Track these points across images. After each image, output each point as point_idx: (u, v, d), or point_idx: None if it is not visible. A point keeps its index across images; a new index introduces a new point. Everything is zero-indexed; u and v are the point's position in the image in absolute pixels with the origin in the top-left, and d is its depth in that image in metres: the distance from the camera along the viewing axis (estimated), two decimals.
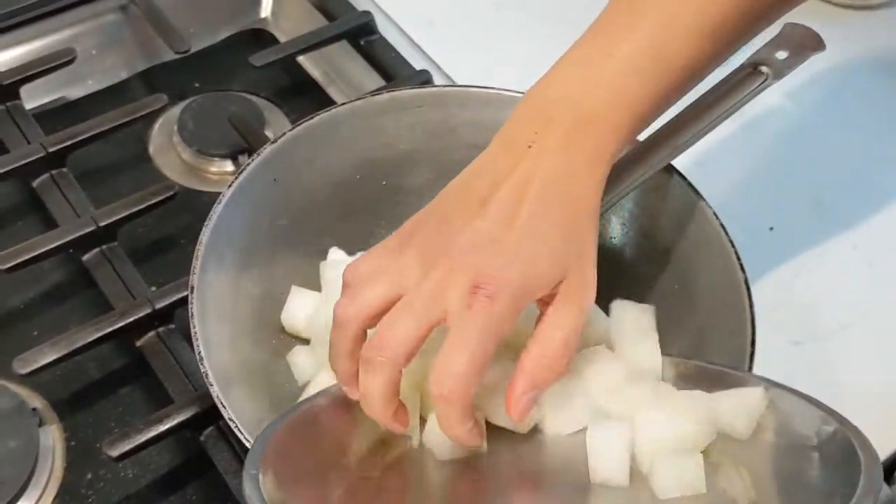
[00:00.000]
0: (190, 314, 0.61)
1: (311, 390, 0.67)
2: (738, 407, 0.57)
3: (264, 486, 0.49)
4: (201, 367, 0.60)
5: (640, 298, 0.72)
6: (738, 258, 0.66)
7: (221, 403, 0.59)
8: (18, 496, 0.68)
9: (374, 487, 0.55)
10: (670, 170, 0.71)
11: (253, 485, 0.49)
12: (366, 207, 0.76)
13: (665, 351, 0.63)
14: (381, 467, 0.56)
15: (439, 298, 0.52)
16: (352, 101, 0.73)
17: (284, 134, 0.70)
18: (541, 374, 0.53)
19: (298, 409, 0.59)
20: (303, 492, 0.52)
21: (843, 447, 0.51)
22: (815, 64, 0.97)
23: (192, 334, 0.61)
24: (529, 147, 0.56)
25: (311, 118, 0.71)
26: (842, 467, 0.50)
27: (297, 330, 0.71)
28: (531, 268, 0.53)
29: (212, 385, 0.59)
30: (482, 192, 0.55)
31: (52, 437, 0.72)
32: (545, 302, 0.54)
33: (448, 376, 0.51)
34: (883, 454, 0.72)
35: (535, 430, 0.58)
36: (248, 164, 0.69)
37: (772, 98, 0.94)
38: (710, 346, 0.67)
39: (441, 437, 0.54)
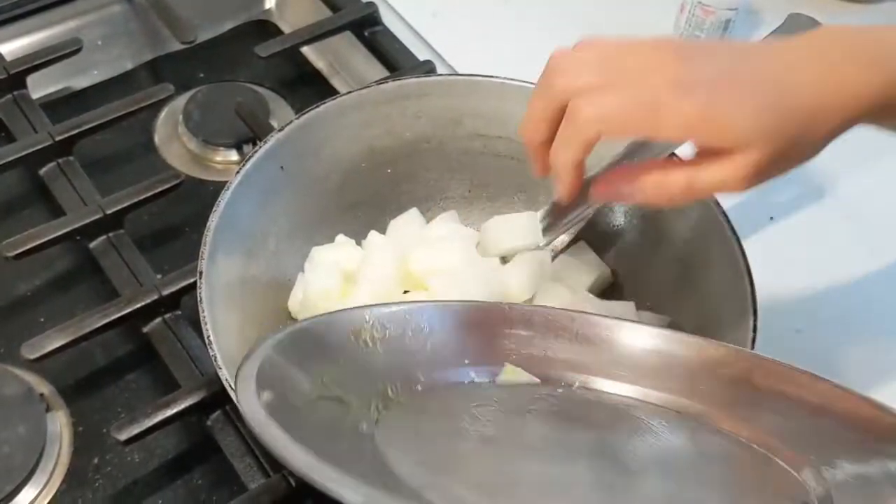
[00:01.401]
0: (199, 299, 0.62)
1: None
2: None
3: (265, 405, 0.49)
4: (210, 350, 0.60)
5: (643, 286, 0.74)
6: (740, 246, 0.67)
7: (230, 386, 0.59)
8: (26, 481, 0.69)
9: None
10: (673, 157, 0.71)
11: (253, 401, 0.49)
12: (371, 195, 0.77)
13: None
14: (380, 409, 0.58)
15: (649, 103, 0.51)
16: (357, 90, 0.73)
17: (291, 122, 0.71)
18: (641, 188, 0.55)
19: (297, 326, 0.59)
20: (297, 420, 0.52)
21: None
22: None
23: (202, 319, 0.61)
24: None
25: (317, 106, 0.72)
26: None
27: (305, 315, 0.71)
28: (713, 112, 0.51)
29: (220, 368, 0.60)
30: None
31: (60, 423, 0.73)
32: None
33: (600, 106, 0.52)
34: None
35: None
36: (255, 152, 0.69)
37: None
38: (712, 332, 0.67)
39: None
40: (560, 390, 0.60)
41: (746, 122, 0.52)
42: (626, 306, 0.72)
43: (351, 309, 0.61)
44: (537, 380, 0.61)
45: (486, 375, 0.61)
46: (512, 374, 0.61)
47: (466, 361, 0.61)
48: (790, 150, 0.54)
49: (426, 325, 0.60)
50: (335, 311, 0.60)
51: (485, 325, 0.61)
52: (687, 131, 0.52)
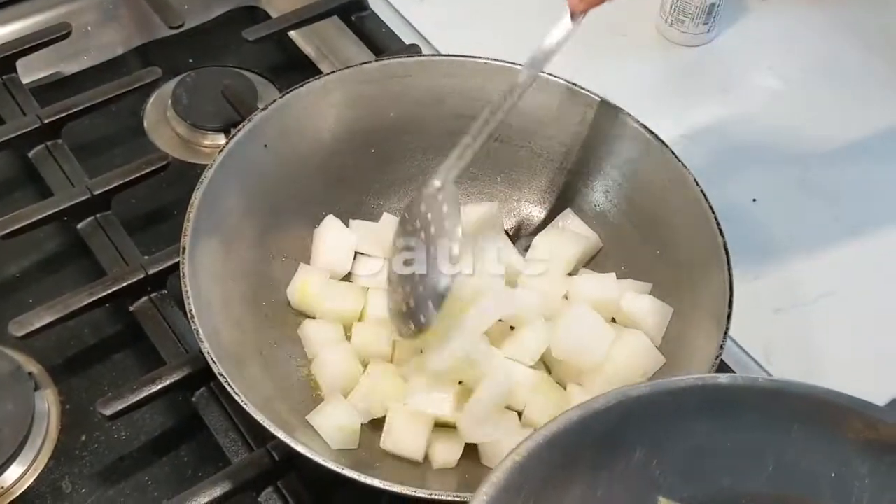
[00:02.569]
0: (182, 273, 0.63)
1: (319, 364, 0.70)
2: None
3: None
4: (192, 324, 0.61)
5: (624, 262, 0.75)
6: (718, 223, 0.68)
7: (212, 359, 0.60)
8: (14, 457, 0.70)
9: None
10: (656, 140, 0.72)
11: None
12: (355, 174, 0.77)
13: None
14: None
15: None
16: (340, 70, 0.74)
17: (275, 101, 0.72)
18: None
19: None
20: None
21: None
22: (803, 40, 0.99)
23: (184, 293, 0.62)
24: None
25: (301, 86, 0.73)
26: None
27: (305, 306, 0.73)
28: None
29: (202, 342, 0.60)
30: None
31: (48, 401, 0.73)
32: None
33: None
34: None
35: None
36: (239, 130, 0.70)
37: (760, 71, 0.96)
38: (690, 307, 0.69)
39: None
40: None
41: None
42: (607, 277, 0.72)
43: None
44: None
45: None
46: None
47: None
48: None
49: None
50: None
51: None
52: None
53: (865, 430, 0.50)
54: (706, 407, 0.51)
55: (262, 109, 0.71)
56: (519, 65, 0.74)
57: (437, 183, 0.67)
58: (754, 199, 0.86)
